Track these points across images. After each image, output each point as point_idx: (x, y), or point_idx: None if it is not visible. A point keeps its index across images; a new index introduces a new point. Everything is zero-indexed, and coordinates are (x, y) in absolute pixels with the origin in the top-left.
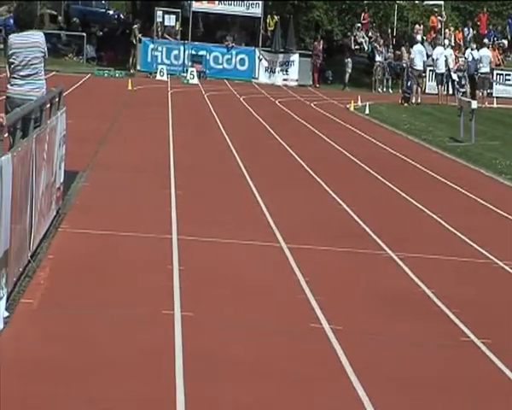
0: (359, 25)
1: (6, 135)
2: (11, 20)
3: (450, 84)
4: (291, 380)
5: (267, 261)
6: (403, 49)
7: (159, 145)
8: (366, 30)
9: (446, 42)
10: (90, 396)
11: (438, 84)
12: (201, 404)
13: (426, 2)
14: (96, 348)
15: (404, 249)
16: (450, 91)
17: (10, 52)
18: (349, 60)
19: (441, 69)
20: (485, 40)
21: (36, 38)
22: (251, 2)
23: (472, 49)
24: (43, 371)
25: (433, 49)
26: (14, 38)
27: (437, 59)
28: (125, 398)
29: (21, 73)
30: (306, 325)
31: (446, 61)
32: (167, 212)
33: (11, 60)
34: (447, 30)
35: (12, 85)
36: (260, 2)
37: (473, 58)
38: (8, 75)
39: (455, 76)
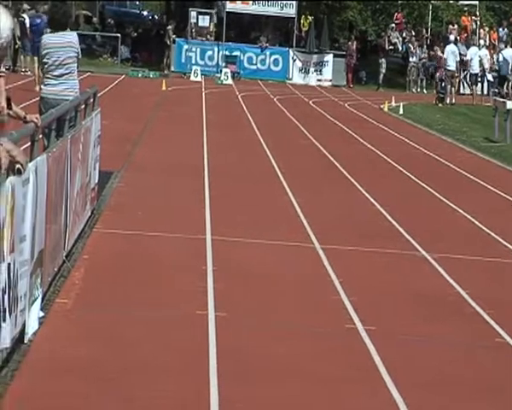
0: (393, 25)
1: (40, 136)
2: (37, 20)
3: (485, 84)
4: (325, 380)
5: (301, 262)
6: (436, 48)
7: (193, 146)
8: (400, 30)
9: (482, 42)
10: (125, 396)
11: (472, 85)
12: (235, 404)
13: (461, 2)
14: (130, 349)
15: (438, 250)
16: (485, 92)
17: (44, 52)
18: (383, 60)
19: (475, 70)
20: None
21: (69, 38)
22: (285, 2)
23: (502, 50)
24: (78, 370)
25: (467, 49)
26: (47, 39)
27: (471, 59)
28: (160, 398)
29: (55, 73)
30: (341, 325)
31: (481, 61)
32: (201, 212)
33: (45, 60)
34: (482, 30)
35: (45, 86)
36: (294, 3)
37: (504, 58)
38: (41, 76)
39: (490, 76)
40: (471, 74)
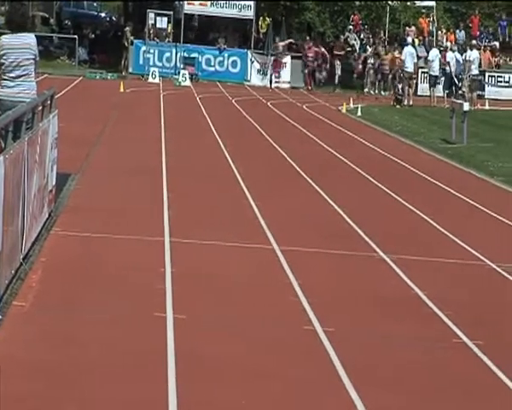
0: (351, 27)
1: None
2: None
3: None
4: (283, 382)
5: (259, 264)
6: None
7: (151, 148)
8: (357, 32)
9: (449, 44)
10: (82, 398)
11: (431, 86)
12: (193, 405)
13: (418, 4)
14: (88, 351)
15: (397, 251)
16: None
17: (1, 53)
18: (338, 62)
19: (435, 71)
20: (473, 42)
21: (27, 40)
22: (243, 3)
23: (453, 52)
24: (35, 373)
25: (427, 50)
26: (4, 40)
27: (432, 61)
28: (118, 400)
29: (11, 75)
30: (299, 327)
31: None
32: (159, 214)
33: (2, 61)
34: (439, 32)
35: (2, 87)
36: (252, 4)
37: (457, 60)
38: None
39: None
40: (431, 76)
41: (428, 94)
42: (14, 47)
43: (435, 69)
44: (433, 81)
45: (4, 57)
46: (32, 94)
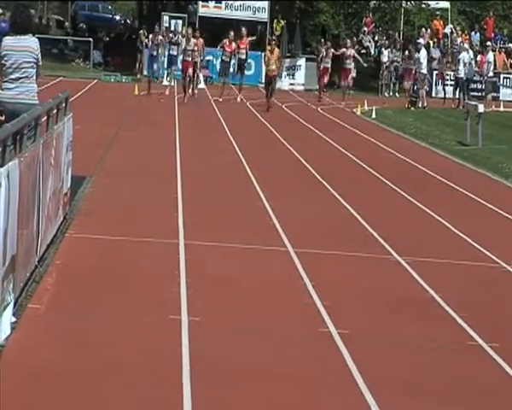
0: (365, 29)
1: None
2: (2, 24)
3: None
4: (297, 384)
5: (274, 266)
6: (406, 53)
7: (166, 151)
8: (372, 34)
9: (466, 46)
10: (97, 401)
11: (455, 89)
12: (208, 408)
13: (432, 6)
14: (103, 354)
15: (411, 254)
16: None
17: (2, 54)
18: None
19: (460, 74)
20: (488, 43)
21: (28, 42)
22: (257, 6)
23: (467, 52)
24: (51, 375)
25: (441, 53)
26: (6, 41)
27: (461, 63)
28: (132, 403)
29: (12, 76)
30: (314, 329)
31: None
32: (174, 217)
33: (3, 62)
34: (454, 34)
35: (3, 90)
36: (266, 7)
37: (469, 62)
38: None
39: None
40: (457, 78)
41: (444, 96)
42: (14, 49)
43: (461, 72)
44: (460, 83)
45: (5, 58)
46: (31, 96)
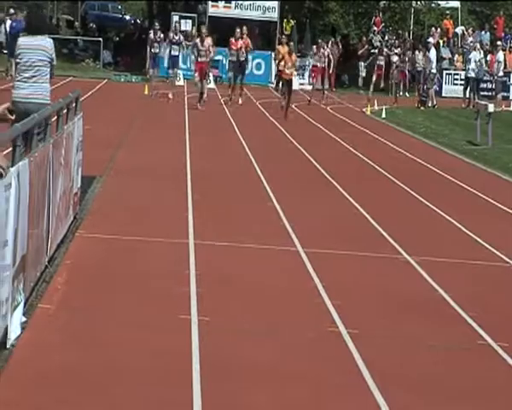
0: (375, 28)
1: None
2: (13, 23)
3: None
4: (307, 384)
5: (284, 266)
6: (416, 52)
7: (175, 150)
8: (382, 33)
9: (477, 45)
10: (107, 401)
11: (465, 89)
12: (218, 407)
13: (442, 6)
14: (113, 353)
15: (421, 253)
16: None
17: (17, 52)
18: (361, 63)
19: (471, 73)
20: (498, 43)
21: (43, 42)
22: (267, 6)
23: (475, 51)
24: (61, 375)
25: (451, 52)
26: (21, 40)
27: (472, 62)
28: (142, 402)
29: (25, 75)
30: (323, 328)
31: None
32: (184, 217)
33: (17, 60)
34: (465, 33)
35: (15, 89)
36: (276, 7)
37: (479, 62)
38: (14, 75)
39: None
40: (468, 78)
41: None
42: (29, 47)
43: (471, 72)
44: (470, 83)
45: (19, 57)
46: (43, 96)
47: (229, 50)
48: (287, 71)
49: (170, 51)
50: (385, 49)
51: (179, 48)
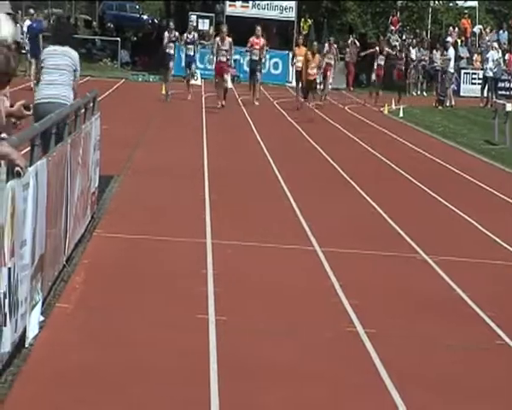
0: (392, 28)
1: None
2: (33, 24)
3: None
4: (325, 384)
5: (301, 265)
6: (434, 51)
7: (193, 149)
8: (400, 32)
9: (495, 44)
10: (125, 400)
11: (483, 88)
12: (235, 407)
13: (460, 5)
14: (131, 353)
15: (439, 252)
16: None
17: (42, 58)
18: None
19: (489, 73)
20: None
21: (70, 51)
22: (284, 5)
23: (493, 50)
24: (79, 375)
25: (469, 51)
26: (47, 48)
27: (490, 61)
28: (161, 401)
29: (48, 78)
30: (341, 328)
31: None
32: (202, 216)
33: (42, 64)
34: (483, 32)
35: (38, 92)
36: (294, 6)
37: (497, 61)
38: (33, 76)
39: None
40: (486, 77)
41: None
42: (55, 53)
43: (489, 71)
44: (488, 83)
45: (44, 61)
46: (66, 98)
47: (250, 49)
48: (310, 71)
49: (185, 51)
50: (386, 49)
51: (193, 47)
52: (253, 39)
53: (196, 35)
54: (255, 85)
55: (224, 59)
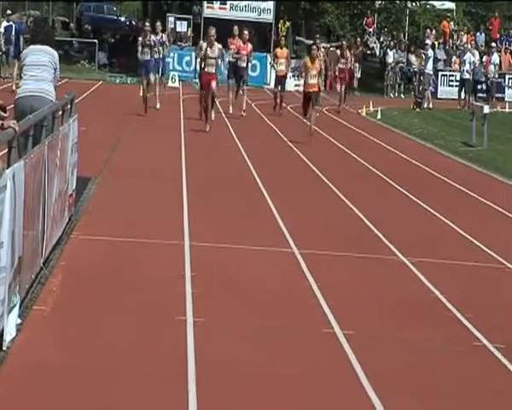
0: (371, 29)
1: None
2: (17, 26)
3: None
4: (303, 385)
5: (279, 267)
6: (409, 54)
7: (170, 151)
8: (377, 34)
9: (470, 46)
10: (102, 403)
11: (460, 90)
12: (213, 409)
13: (438, 7)
14: (108, 355)
15: (416, 254)
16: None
17: (23, 57)
18: (356, 65)
19: (466, 75)
20: (493, 44)
21: (50, 50)
22: (262, 7)
23: (473, 54)
24: (56, 377)
25: (446, 53)
26: (28, 48)
27: (466, 63)
28: (137, 404)
29: (31, 73)
30: (319, 329)
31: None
32: (179, 218)
33: (23, 63)
34: (460, 34)
35: (20, 87)
36: (272, 8)
37: (474, 63)
38: (14, 77)
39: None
40: (463, 80)
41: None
42: (35, 50)
43: (466, 73)
44: (465, 85)
45: (26, 59)
46: (48, 92)
47: (238, 56)
48: (310, 82)
49: (150, 53)
50: (346, 53)
51: (163, 48)
52: (236, 42)
53: (165, 36)
54: (242, 96)
55: (212, 70)
